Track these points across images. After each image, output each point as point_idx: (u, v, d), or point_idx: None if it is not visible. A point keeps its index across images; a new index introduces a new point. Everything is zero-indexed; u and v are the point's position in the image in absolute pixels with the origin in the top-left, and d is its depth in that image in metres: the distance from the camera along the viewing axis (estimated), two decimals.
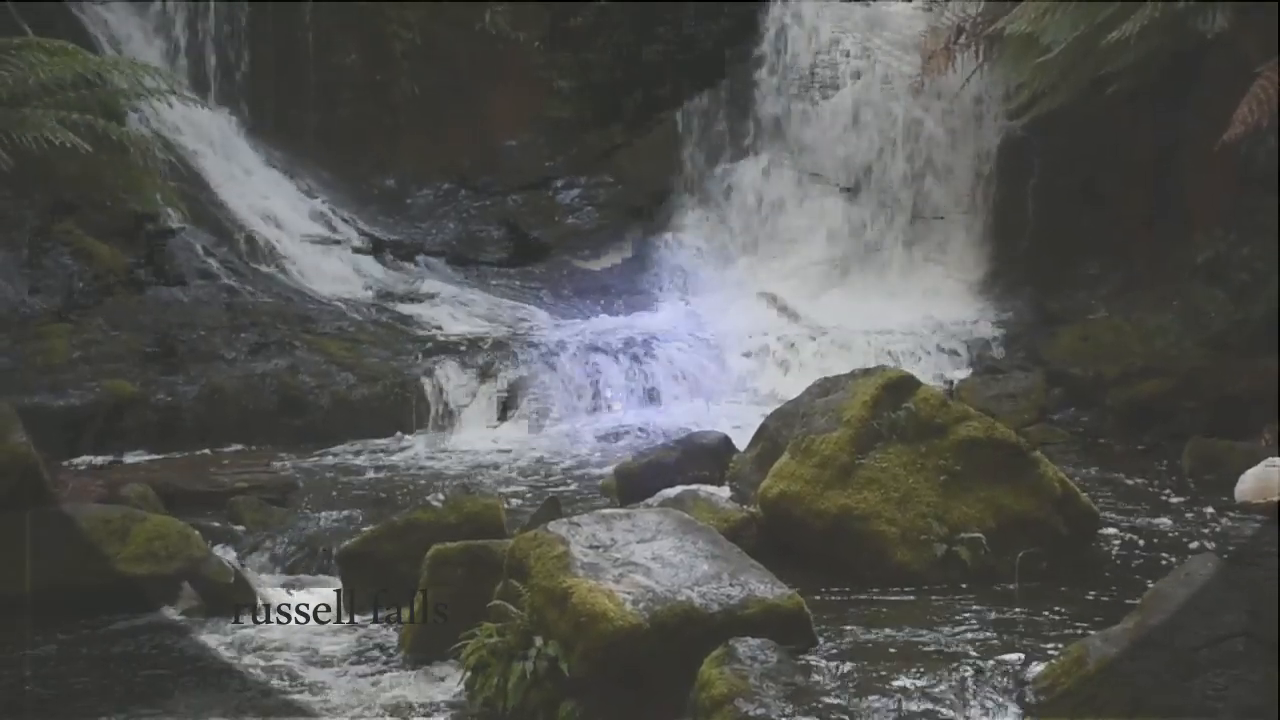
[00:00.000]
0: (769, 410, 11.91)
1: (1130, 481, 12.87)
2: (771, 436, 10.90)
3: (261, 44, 20.48)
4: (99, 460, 14.19)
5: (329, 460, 14.50)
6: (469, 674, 7.83)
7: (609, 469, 13.14)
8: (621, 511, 8.82)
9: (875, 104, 19.68)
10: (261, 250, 18.47)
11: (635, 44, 20.78)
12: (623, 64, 20.88)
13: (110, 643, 9.36)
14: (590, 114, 21.07)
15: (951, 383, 16.14)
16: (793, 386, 13.78)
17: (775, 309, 18.76)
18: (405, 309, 18.29)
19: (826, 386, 10.68)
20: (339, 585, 9.90)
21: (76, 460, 14.09)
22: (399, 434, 15.33)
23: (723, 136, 20.78)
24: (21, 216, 16.33)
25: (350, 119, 20.88)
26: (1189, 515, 11.45)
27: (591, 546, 7.80)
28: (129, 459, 14.35)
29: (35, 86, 12.82)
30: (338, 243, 19.41)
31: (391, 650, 8.94)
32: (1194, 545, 10.42)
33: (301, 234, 19.18)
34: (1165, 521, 11.22)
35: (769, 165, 20.34)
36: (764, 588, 7.71)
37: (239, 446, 14.87)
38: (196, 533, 10.42)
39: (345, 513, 11.96)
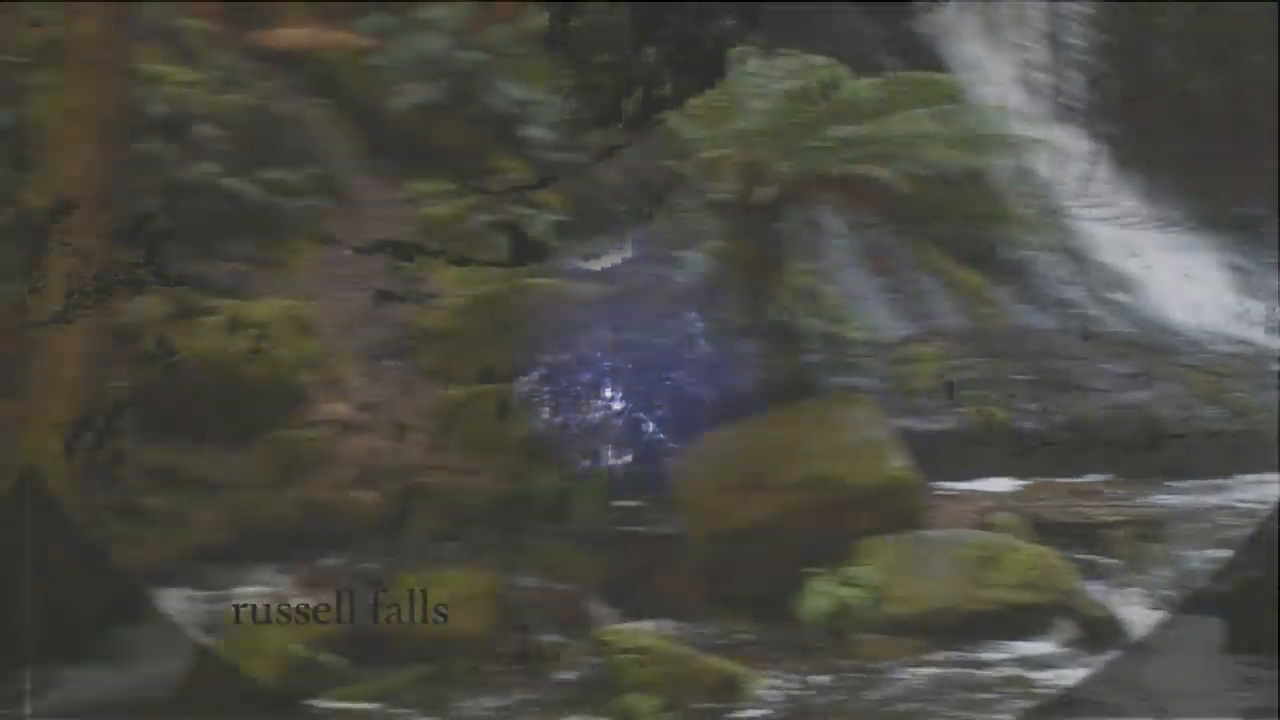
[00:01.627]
0: None
1: None
2: None
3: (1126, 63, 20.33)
4: (958, 486, 14.35)
5: (1193, 496, 14.02)
6: None
7: None
8: None
9: None
10: (1118, 278, 18.28)
11: None
12: None
13: (981, 668, 9.52)
14: None
15: None
16: None
17: None
18: (1269, 341, 17.56)
19: None
20: (1221, 628, 9.61)
21: (938, 485, 14.32)
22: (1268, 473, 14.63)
23: None
24: (900, 245, 16.81)
25: (1211, 144, 20.30)
26: None
27: None
28: (987, 485, 14.45)
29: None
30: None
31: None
32: None
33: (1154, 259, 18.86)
34: None
35: None
36: None
37: (1098, 477, 14.67)
38: (1070, 564, 10.42)
39: (1220, 553, 11.57)
